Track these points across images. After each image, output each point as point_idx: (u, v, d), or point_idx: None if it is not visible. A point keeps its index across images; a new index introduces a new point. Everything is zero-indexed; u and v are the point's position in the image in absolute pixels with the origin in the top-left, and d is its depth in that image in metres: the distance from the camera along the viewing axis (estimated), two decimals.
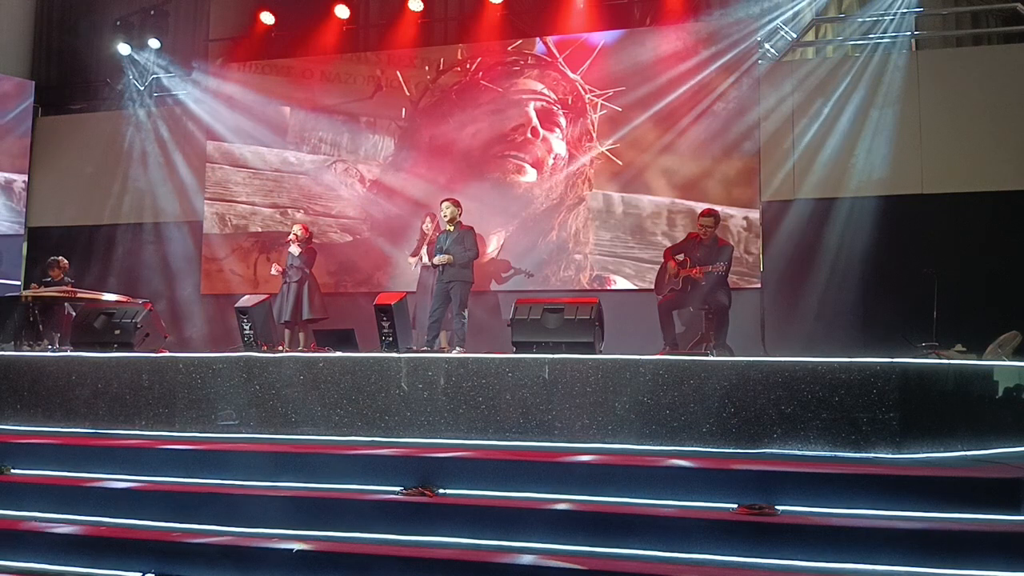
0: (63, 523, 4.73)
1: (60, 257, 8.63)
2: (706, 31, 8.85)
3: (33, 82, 10.92)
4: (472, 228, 7.90)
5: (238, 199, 10.22)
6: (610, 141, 9.02)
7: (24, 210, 10.73)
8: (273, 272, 8.74)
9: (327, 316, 8.51)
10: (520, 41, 9.45)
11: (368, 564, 4.08)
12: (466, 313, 7.73)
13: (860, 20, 8.69)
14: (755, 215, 8.54)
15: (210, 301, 10.01)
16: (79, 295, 8.09)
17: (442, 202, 7.94)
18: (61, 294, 8.08)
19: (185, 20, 10.87)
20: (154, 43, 10.54)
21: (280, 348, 7.49)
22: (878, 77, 8.34)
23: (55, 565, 4.40)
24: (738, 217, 8.56)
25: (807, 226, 8.30)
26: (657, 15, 9.23)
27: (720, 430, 5.06)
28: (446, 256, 7.63)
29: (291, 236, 8.61)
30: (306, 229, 8.75)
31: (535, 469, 4.65)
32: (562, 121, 9.24)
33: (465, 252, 7.68)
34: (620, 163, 8.98)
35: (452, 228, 7.77)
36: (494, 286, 9.14)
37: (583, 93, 9.16)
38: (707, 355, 6.05)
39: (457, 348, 7.42)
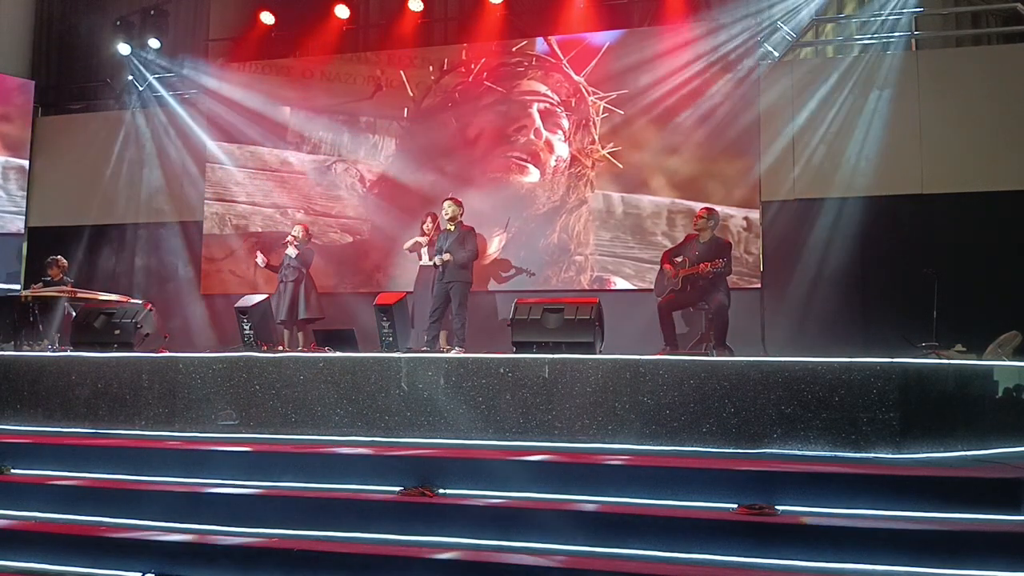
0: (63, 523, 4.73)
1: (59, 256, 8.63)
2: (706, 31, 8.84)
3: (33, 82, 10.92)
4: (472, 228, 7.91)
5: (238, 199, 10.22)
6: (611, 143, 9.02)
7: (24, 209, 10.72)
8: (258, 262, 8.77)
9: (323, 316, 8.51)
10: (524, 42, 9.44)
11: (368, 564, 4.07)
12: (466, 314, 7.73)
13: (860, 20, 8.69)
14: (755, 215, 8.54)
15: (210, 301, 10.01)
16: (79, 295, 8.10)
17: (444, 200, 7.94)
18: (61, 294, 8.09)
19: (185, 20, 10.86)
20: (154, 43, 10.53)
21: (280, 348, 7.49)
22: (878, 77, 8.34)
23: (55, 565, 4.40)
24: (738, 217, 8.56)
25: (807, 226, 8.29)
26: (657, 15, 9.23)
27: (720, 430, 5.06)
28: (446, 256, 7.62)
29: (290, 237, 8.61)
30: (306, 230, 8.75)
31: (535, 469, 4.65)
32: (564, 123, 9.24)
33: (465, 252, 7.68)
34: (620, 165, 8.98)
35: (452, 228, 7.77)
36: (493, 286, 9.13)
37: (586, 95, 9.16)
38: (707, 355, 6.05)
39: (457, 348, 7.42)
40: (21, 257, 10.62)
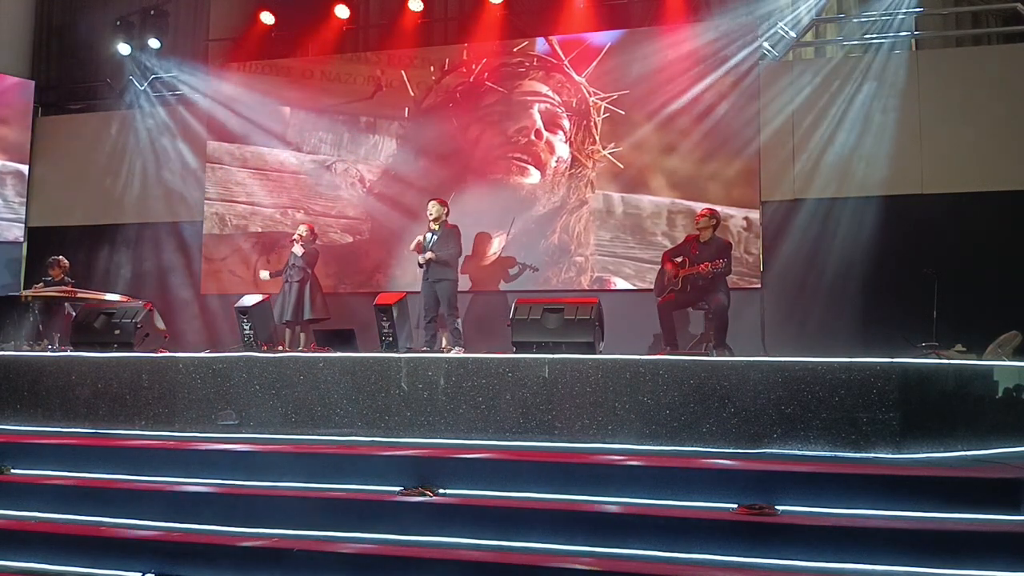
0: (63, 523, 4.73)
1: (60, 257, 8.62)
2: (706, 32, 8.84)
3: (33, 82, 10.91)
4: (456, 227, 7.94)
5: (238, 199, 10.22)
6: (612, 144, 9.02)
7: (23, 217, 10.70)
8: (263, 277, 8.71)
9: (329, 316, 8.51)
10: (526, 42, 9.44)
11: (368, 564, 4.08)
12: (459, 319, 7.75)
13: (860, 20, 8.69)
14: (755, 215, 8.54)
15: (210, 301, 10.01)
16: (79, 295, 8.10)
17: (429, 201, 7.99)
18: (61, 294, 8.09)
19: (185, 20, 10.86)
20: (154, 43, 10.53)
21: (280, 348, 7.49)
22: (878, 77, 8.33)
23: (55, 565, 4.40)
24: (738, 217, 8.56)
25: (807, 226, 8.29)
26: (657, 15, 9.22)
27: (720, 430, 5.06)
28: (429, 254, 7.66)
29: (296, 236, 8.61)
30: (312, 229, 8.75)
31: (535, 469, 4.65)
32: (566, 123, 9.23)
33: (448, 251, 7.72)
34: (621, 166, 8.98)
35: (437, 227, 7.82)
36: (502, 286, 9.13)
37: (587, 96, 9.16)
38: (707, 355, 6.05)
39: (457, 348, 7.43)
40: (20, 266, 10.54)
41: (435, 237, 7.79)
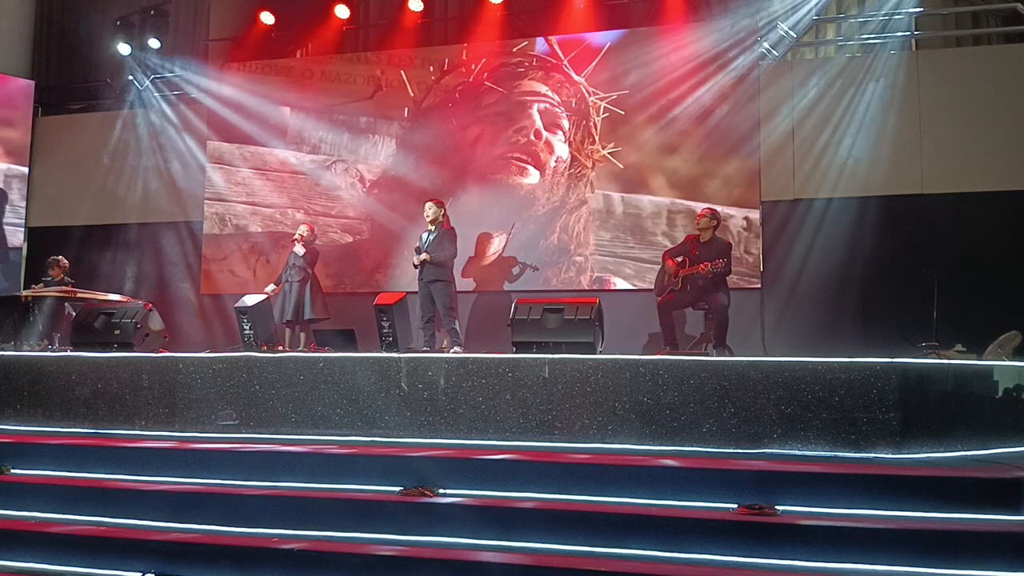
0: (63, 523, 4.73)
1: (60, 257, 8.63)
2: (707, 32, 8.83)
3: (33, 82, 10.91)
4: (453, 229, 7.93)
5: (238, 199, 10.22)
6: (612, 144, 9.02)
7: (24, 210, 10.71)
8: (267, 291, 8.58)
9: (329, 316, 8.51)
10: (525, 42, 9.43)
11: (368, 564, 4.08)
12: (456, 320, 7.75)
13: (860, 20, 8.69)
14: (755, 215, 8.53)
15: (210, 301, 10.01)
16: (79, 295, 8.10)
17: (426, 202, 7.99)
18: (61, 294, 8.09)
19: (185, 20, 10.85)
20: (154, 43, 10.53)
21: (280, 348, 7.49)
22: (878, 77, 8.34)
23: (55, 565, 4.40)
24: (738, 217, 8.56)
25: (807, 226, 8.29)
26: (657, 15, 9.22)
27: (720, 430, 5.06)
28: (424, 255, 7.67)
29: (296, 236, 8.61)
30: (312, 229, 8.75)
31: (535, 469, 4.65)
32: (565, 123, 9.23)
33: (443, 253, 7.72)
34: (620, 165, 8.98)
35: (433, 228, 7.82)
36: (506, 286, 9.13)
37: (587, 96, 9.16)
38: (707, 355, 6.05)
39: (456, 348, 7.43)
40: (20, 267, 10.52)
41: (431, 238, 7.79)
